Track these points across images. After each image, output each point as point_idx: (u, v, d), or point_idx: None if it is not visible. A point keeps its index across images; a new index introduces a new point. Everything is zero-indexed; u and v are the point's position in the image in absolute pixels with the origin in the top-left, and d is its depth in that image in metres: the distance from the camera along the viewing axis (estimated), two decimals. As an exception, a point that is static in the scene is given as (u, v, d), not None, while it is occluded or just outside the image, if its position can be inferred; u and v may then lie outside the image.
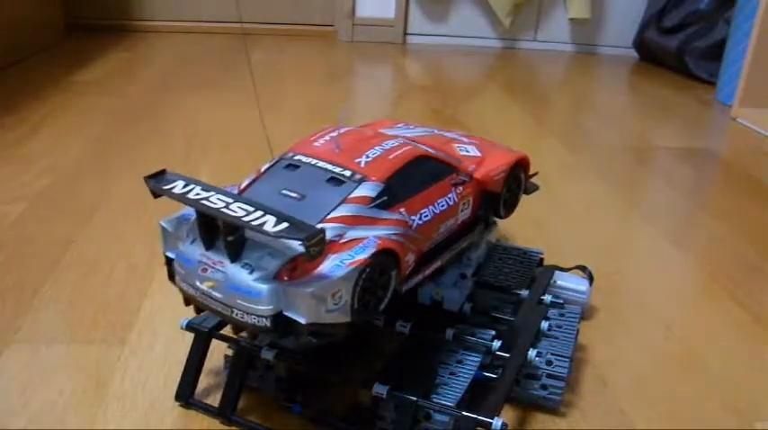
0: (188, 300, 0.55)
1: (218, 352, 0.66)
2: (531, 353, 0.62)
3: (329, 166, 0.57)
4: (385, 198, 0.55)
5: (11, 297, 0.78)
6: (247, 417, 0.60)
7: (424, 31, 2.46)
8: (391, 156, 0.58)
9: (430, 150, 0.63)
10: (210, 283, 0.51)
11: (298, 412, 0.59)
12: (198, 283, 0.51)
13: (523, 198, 0.76)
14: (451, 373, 0.60)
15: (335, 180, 0.55)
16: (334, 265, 0.49)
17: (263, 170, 0.59)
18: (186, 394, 0.62)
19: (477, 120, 1.55)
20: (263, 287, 0.48)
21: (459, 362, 0.61)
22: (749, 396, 0.68)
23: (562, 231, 1.02)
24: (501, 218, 0.71)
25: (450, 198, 0.62)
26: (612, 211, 1.10)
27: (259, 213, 0.47)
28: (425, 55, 2.28)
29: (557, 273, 0.76)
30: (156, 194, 0.51)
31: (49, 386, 0.64)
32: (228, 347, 0.65)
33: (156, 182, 0.51)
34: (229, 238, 0.49)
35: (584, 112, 1.71)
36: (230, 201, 0.48)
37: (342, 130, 0.62)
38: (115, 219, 0.98)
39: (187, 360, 0.62)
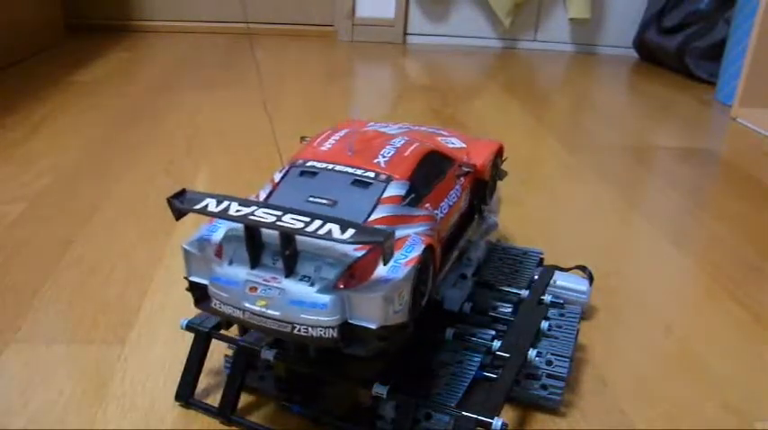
0: (230, 323, 0.53)
1: (218, 352, 0.66)
2: (531, 353, 0.61)
3: (349, 170, 0.56)
4: (413, 195, 0.56)
5: (11, 297, 0.78)
6: (247, 417, 0.60)
7: (424, 31, 2.46)
8: (406, 154, 0.58)
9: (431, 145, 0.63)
10: (263, 302, 0.49)
11: (298, 412, 0.59)
12: (247, 304, 0.49)
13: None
14: (451, 373, 0.60)
15: (361, 182, 0.55)
16: (390, 267, 0.48)
17: (277, 180, 0.57)
18: (186, 394, 0.62)
19: (477, 120, 1.55)
20: (328, 298, 0.47)
21: (460, 362, 0.61)
22: (749, 396, 0.68)
23: (562, 231, 1.02)
24: (486, 205, 0.73)
25: (456, 190, 0.63)
26: (612, 211, 1.10)
27: (319, 222, 0.45)
28: (425, 55, 2.28)
29: (557, 273, 0.76)
30: (182, 214, 0.49)
31: (49, 386, 0.64)
32: (228, 347, 0.65)
33: (181, 201, 0.49)
34: (287, 252, 0.48)
35: (584, 112, 1.71)
36: (279, 213, 0.46)
37: (341, 133, 0.62)
38: (115, 219, 0.98)
39: (187, 360, 0.62)
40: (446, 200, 0.60)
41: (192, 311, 0.72)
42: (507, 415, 0.62)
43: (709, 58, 2.03)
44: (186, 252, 0.52)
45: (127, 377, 0.65)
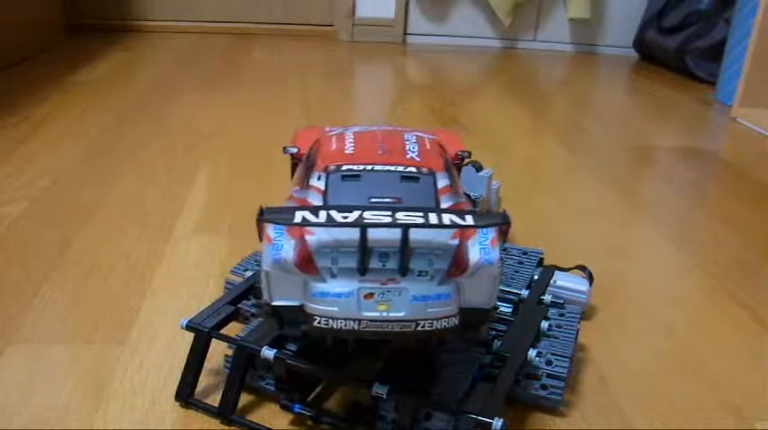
0: (335, 339, 0.50)
1: (218, 352, 0.66)
2: (531, 353, 0.61)
3: (390, 168, 0.55)
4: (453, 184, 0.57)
5: (11, 297, 0.78)
6: (247, 417, 0.60)
7: (423, 31, 2.46)
8: (428, 147, 0.59)
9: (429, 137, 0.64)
10: (384, 306, 0.47)
11: (298, 412, 0.59)
12: (365, 313, 0.48)
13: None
14: (451, 373, 0.60)
15: (410, 178, 0.55)
16: (480, 250, 0.49)
17: (321, 187, 0.54)
18: (186, 394, 0.62)
19: (477, 120, 1.55)
20: (449, 287, 0.48)
21: (460, 362, 0.61)
22: (749, 396, 0.68)
23: (562, 231, 1.02)
24: None
25: (456, 176, 0.64)
26: (612, 211, 1.10)
27: (434, 215, 0.46)
28: (425, 55, 2.28)
29: (557, 273, 0.76)
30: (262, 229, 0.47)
31: (49, 386, 0.64)
32: (228, 347, 0.65)
33: (270, 218, 0.45)
34: (405, 251, 0.47)
35: (584, 112, 1.71)
36: (388, 212, 0.46)
37: (350, 134, 0.61)
38: (115, 220, 0.98)
39: (187, 360, 0.62)
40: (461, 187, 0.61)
41: (191, 311, 0.72)
42: (507, 415, 0.62)
43: (709, 58, 2.03)
44: (269, 275, 0.49)
45: (127, 377, 0.65)
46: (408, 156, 0.57)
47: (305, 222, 0.44)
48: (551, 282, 0.75)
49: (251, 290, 0.69)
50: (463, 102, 1.72)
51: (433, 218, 0.45)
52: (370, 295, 0.47)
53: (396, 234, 0.47)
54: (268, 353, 0.58)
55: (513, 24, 2.41)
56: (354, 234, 0.47)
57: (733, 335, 0.78)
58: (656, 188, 1.22)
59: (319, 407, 0.60)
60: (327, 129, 0.71)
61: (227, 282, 0.73)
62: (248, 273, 0.72)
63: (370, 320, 0.48)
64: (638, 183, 1.23)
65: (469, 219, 0.46)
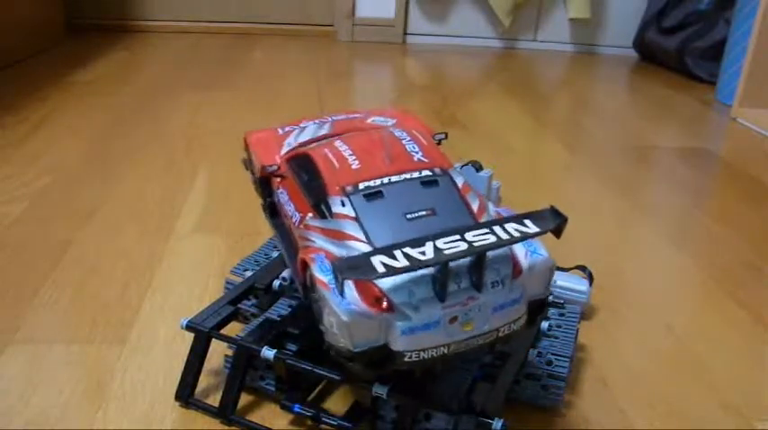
0: (425, 364, 0.49)
1: (218, 352, 0.66)
2: (531, 353, 0.61)
3: (406, 176, 0.55)
4: None
5: (11, 297, 0.78)
6: (247, 417, 0.60)
7: (423, 31, 2.46)
8: (426, 143, 0.59)
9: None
10: (470, 326, 0.48)
11: (298, 412, 0.59)
12: (453, 338, 0.48)
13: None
14: (451, 374, 0.60)
15: (429, 183, 0.55)
16: (523, 245, 0.51)
17: (349, 213, 0.52)
18: (186, 394, 0.62)
19: (477, 120, 1.55)
20: (519, 290, 0.50)
21: (460, 362, 0.61)
22: (749, 396, 0.68)
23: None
24: None
25: None
26: (612, 211, 1.10)
27: (499, 228, 0.47)
28: (425, 55, 2.28)
29: (557, 272, 0.76)
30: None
31: (49, 386, 0.64)
32: (228, 347, 0.65)
33: (355, 274, 0.44)
34: (482, 271, 0.48)
35: (584, 112, 1.71)
36: (457, 236, 0.46)
37: (342, 144, 0.58)
38: (115, 220, 0.98)
39: (187, 360, 0.62)
40: None
41: (191, 311, 0.72)
42: (507, 415, 0.62)
43: (709, 58, 2.03)
44: (348, 326, 0.46)
45: (127, 377, 0.65)
46: (416, 159, 0.57)
47: (391, 271, 0.44)
48: (551, 282, 0.75)
49: (251, 290, 0.69)
50: (463, 101, 1.72)
51: (500, 232, 0.46)
52: (455, 318, 0.48)
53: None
54: (268, 353, 0.58)
55: (513, 24, 2.41)
56: (474, 253, 0.46)
57: (733, 335, 0.78)
58: (656, 188, 1.22)
59: (319, 407, 0.60)
60: (280, 130, 0.69)
61: (227, 282, 0.73)
62: (248, 273, 0.72)
63: (458, 342, 0.48)
64: (638, 183, 1.23)
65: (532, 226, 0.47)
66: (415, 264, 0.44)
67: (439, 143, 0.66)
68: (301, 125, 0.70)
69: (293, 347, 0.61)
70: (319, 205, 0.55)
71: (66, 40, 2.16)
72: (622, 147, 1.43)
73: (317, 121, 0.70)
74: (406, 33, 2.46)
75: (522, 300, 0.50)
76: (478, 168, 0.87)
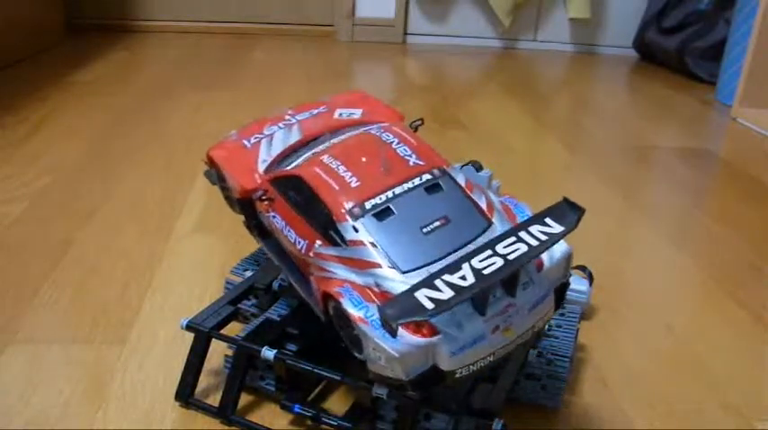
0: (473, 376, 0.50)
1: (218, 352, 0.66)
2: (531, 353, 0.61)
3: (407, 185, 0.54)
4: None
5: (11, 297, 0.78)
6: (247, 417, 0.60)
7: (423, 31, 2.46)
8: (416, 143, 0.58)
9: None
10: (510, 332, 0.49)
11: (298, 412, 0.59)
12: (495, 346, 0.48)
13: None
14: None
15: (433, 188, 0.54)
16: None
17: (366, 239, 0.50)
18: (186, 394, 0.62)
19: (477, 120, 1.55)
20: (546, 283, 0.51)
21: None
22: (749, 396, 0.68)
23: (562, 231, 1.02)
24: None
25: None
26: (612, 211, 1.10)
27: (526, 234, 0.48)
28: (425, 55, 2.28)
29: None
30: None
31: (49, 386, 0.64)
32: (228, 347, 0.65)
33: (406, 317, 0.43)
34: (517, 280, 0.48)
35: (584, 112, 1.71)
36: (489, 253, 0.47)
37: (334, 161, 0.56)
38: (115, 219, 0.98)
39: (187, 360, 0.62)
40: None
41: (191, 311, 0.72)
42: (507, 415, 0.62)
43: (709, 58, 2.03)
44: (403, 359, 0.46)
45: (127, 377, 0.65)
46: (412, 163, 0.55)
47: (441, 305, 0.43)
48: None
49: (251, 290, 0.69)
50: (463, 102, 1.72)
51: (528, 238, 0.47)
52: (496, 328, 0.48)
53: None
54: (268, 353, 0.58)
55: (513, 24, 2.41)
56: (511, 268, 0.46)
57: (733, 335, 0.78)
58: (656, 188, 1.22)
59: (319, 407, 0.60)
60: (245, 141, 0.64)
61: (228, 282, 0.73)
62: (248, 273, 0.72)
63: (500, 348, 0.49)
64: (638, 183, 1.23)
65: (555, 224, 0.48)
66: (462, 294, 0.44)
67: (416, 130, 0.64)
68: (265, 132, 0.65)
69: (293, 347, 0.61)
70: (328, 232, 0.52)
71: (67, 40, 2.16)
72: (622, 147, 1.43)
73: (281, 125, 0.66)
74: (406, 33, 2.46)
75: (550, 292, 0.51)
76: (478, 168, 0.87)
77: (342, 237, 0.51)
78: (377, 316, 0.47)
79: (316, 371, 0.58)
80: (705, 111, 1.77)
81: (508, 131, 1.49)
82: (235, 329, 0.68)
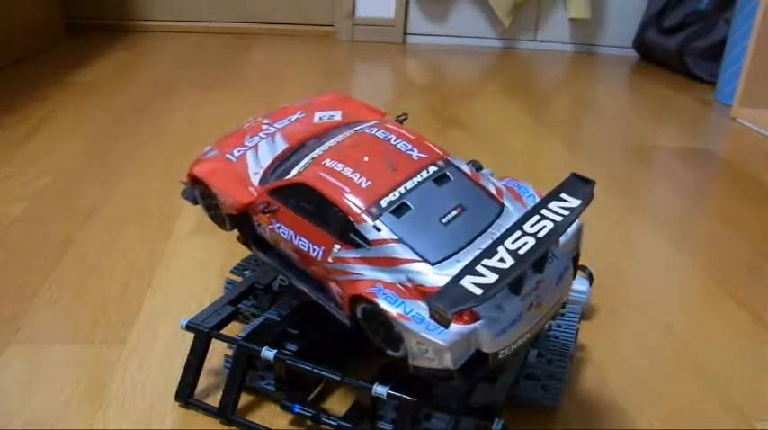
0: (514, 354, 0.50)
1: (218, 352, 0.66)
2: (531, 353, 0.61)
3: (416, 179, 0.54)
4: None
5: (11, 297, 0.78)
6: (247, 417, 0.60)
7: (423, 31, 2.46)
8: (413, 137, 0.58)
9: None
10: (542, 307, 0.50)
11: (298, 412, 0.59)
12: (531, 323, 0.50)
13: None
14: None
15: (440, 178, 0.55)
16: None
17: (391, 236, 0.50)
18: (186, 394, 0.62)
19: (477, 120, 1.55)
20: (565, 255, 0.53)
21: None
22: (749, 396, 0.68)
23: (562, 231, 1.02)
24: None
25: None
26: (612, 211, 1.10)
27: (543, 209, 0.50)
28: (425, 55, 2.28)
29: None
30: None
31: (49, 386, 0.64)
32: (228, 347, 0.65)
33: (458, 306, 0.43)
34: (546, 256, 0.49)
35: (584, 112, 1.71)
36: (519, 233, 0.48)
37: (339, 164, 0.55)
38: (115, 219, 0.98)
39: (187, 360, 0.62)
40: None
41: (191, 311, 0.72)
42: (507, 415, 0.62)
43: (709, 58, 2.03)
44: (452, 349, 0.46)
45: (127, 377, 0.65)
46: (415, 157, 0.56)
47: (490, 290, 0.44)
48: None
49: (251, 290, 0.69)
50: (463, 102, 1.72)
51: (550, 214, 0.49)
52: (531, 305, 0.49)
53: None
54: (268, 353, 0.58)
55: (513, 24, 2.41)
56: (544, 246, 0.48)
57: (733, 335, 0.78)
58: (656, 188, 1.22)
59: (319, 407, 0.60)
60: (228, 155, 0.62)
61: (228, 282, 0.73)
62: (248, 273, 0.72)
63: (534, 325, 0.50)
64: (638, 183, 1.23)
65: (572, 198, 0.51)
66: (507, 275, 0.45)
67: (401, 123, 0.63)
68: (247, 143, 0.63)
69: (293, 347, 0.61)
70: (347, 236, 0.52)
71: (66, 40, 2.16)
72: (622, 147, 1.43)
73: (262, 134, 0.63)
74: (406, 33, 2.46)
75: (570, 264, 0.53)
76: (478, 168, 0.87)
77: (364, 239, 0.51)
78: (416, 310, 0.48)
79: (316, 371, 0.58)
80: (705, 112, 1.77)
81: (508, 131, 1.49)
82: (235, 329, 0.68)
